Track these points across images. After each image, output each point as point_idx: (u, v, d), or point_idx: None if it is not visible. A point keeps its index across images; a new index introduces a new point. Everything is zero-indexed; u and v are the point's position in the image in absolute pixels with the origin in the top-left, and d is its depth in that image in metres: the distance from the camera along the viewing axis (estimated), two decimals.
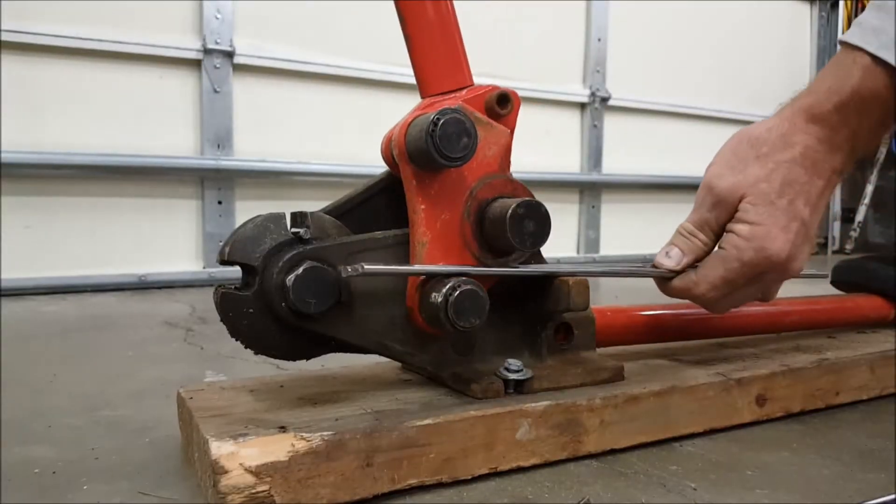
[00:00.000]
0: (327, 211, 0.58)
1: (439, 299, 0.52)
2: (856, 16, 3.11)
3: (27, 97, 1.57)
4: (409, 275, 0.55)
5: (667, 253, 0.63)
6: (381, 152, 0.60)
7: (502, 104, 0.58)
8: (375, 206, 0.60)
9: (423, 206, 0.55)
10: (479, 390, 0.56)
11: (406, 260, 0.56)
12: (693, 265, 0.62)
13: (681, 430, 0.62)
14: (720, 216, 0.61)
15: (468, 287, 0.53)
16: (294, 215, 0.54)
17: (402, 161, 0.55)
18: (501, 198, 0.57)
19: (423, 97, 0.61)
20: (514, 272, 0.59)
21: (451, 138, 0.52)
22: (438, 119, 0.51)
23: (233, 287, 0.51)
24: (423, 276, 0.55)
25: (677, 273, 0.62)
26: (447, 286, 0.53)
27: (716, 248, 0.62)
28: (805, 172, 0.59)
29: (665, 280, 0.63)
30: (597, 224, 2.46)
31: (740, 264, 0.59)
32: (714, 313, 0.65)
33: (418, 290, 0.55)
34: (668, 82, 2.59)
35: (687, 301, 0.64)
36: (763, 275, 0.60)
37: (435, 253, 0.55)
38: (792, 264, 0.60)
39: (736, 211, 0.60)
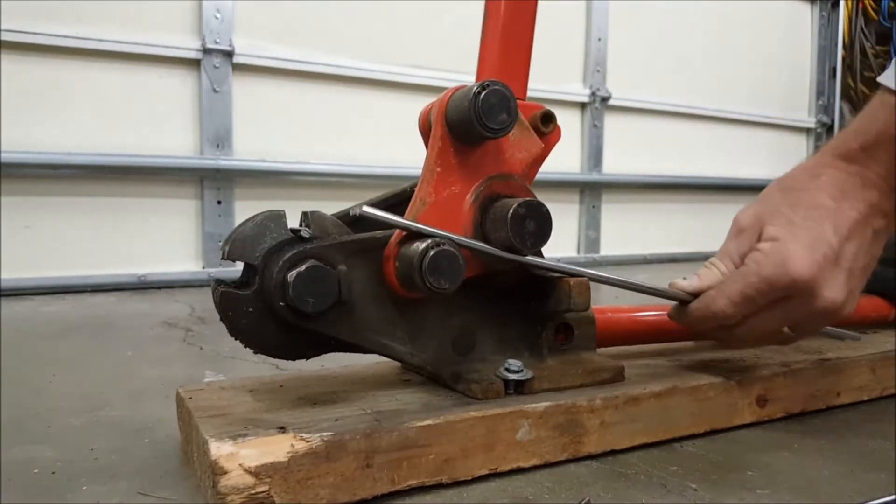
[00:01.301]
0: (374, 203, 0.58)
1: (416, 253, 0.51)
2: (856, 16, 3.10)
3: (27, 97, 1.57)
4: (408, 229, 0.54)
5: (684, 278, 0.63)
6: (419, 124, 0.61)
7: (546, 122, 0.61)
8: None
9: (438, 169, 0.56)
10: (479, 391, 0.56)
11: None
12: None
13: (681, 431, 0.62)
14: (741, 245, 0.60)
15: (448, 248, 0.52)
16: (303, 214, 0.54)
17: (437, 123, 0.55)
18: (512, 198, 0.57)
19: None
20: (530, 262, 0.57)
21: (493, 108, 0.53)
22: (486, 85, 0.53)
23: (233, 286, 0.51)
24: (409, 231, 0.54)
25: (694, 297, 0.61)
26: (427, 242, 0.52)
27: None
28: (832, 199, 0.57)
29: (682, 308, 0.62)
30: (597, 224, 2.45)
31: (759, 279, 0.56)
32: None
33: (399, 244, 0.54)
34: (668, 82, 2.58)
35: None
36: (787, 299, 0.57)
37: (432, 216, 0.55)
38: (821, 292, 0.56)
39: (760, 238, 0.59)
